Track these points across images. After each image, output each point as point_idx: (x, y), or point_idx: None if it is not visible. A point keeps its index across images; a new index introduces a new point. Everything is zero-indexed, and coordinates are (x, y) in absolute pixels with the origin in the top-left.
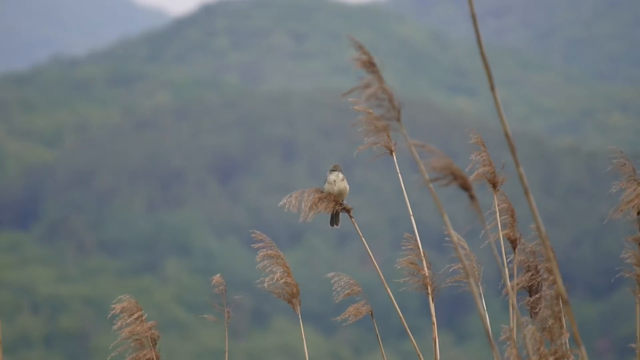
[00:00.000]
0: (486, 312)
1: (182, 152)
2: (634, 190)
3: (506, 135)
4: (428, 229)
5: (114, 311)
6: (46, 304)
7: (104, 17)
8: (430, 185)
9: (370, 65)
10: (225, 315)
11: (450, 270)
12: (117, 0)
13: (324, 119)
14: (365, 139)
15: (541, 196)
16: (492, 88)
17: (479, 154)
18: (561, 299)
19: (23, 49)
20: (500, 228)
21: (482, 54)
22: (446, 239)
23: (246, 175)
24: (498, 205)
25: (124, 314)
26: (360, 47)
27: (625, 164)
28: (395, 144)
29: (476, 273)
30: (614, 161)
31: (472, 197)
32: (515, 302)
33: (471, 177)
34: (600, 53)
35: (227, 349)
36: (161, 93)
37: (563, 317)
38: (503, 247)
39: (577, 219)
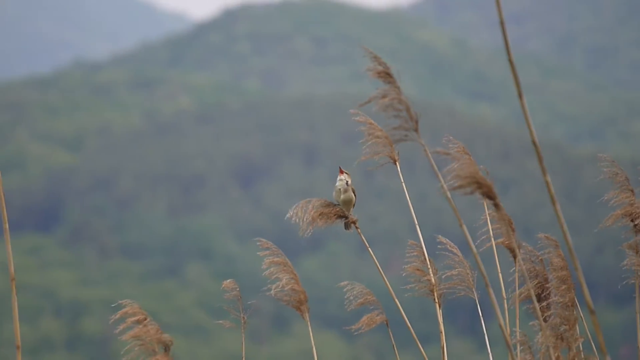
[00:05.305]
0: (505, 319)
1: (203, 156)
2: (627, 198)
3: (534, 143)
4: (450, 234)
5: (115, 316)
6: (68, 307)
7: (126, 21)
8: (448, 194)
9: (385, 76)
10: (242, 321)
11: (443, 277)
12: (139, 4)
13: (345, 124)
14: (365, 149)
15: (564, 203)
16: (520, 96)
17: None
18: (588, 309)
19: (45, 52)
20: (492, 236)
21: (510, 61)
22: (439, 246)
23: (267, 180)
24: (491, 214)
25: (127, 319)
26: (375, 58)
27: (618, 173)
28: (398, 153)
29: (470, 280)
30: (604, 170)
31: (496, 205)
32: (517, 309)
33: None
34: (622, 60)
35: (244, 354)
36: (182, 97)
37: (577, 325)
38: (496, 254)
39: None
